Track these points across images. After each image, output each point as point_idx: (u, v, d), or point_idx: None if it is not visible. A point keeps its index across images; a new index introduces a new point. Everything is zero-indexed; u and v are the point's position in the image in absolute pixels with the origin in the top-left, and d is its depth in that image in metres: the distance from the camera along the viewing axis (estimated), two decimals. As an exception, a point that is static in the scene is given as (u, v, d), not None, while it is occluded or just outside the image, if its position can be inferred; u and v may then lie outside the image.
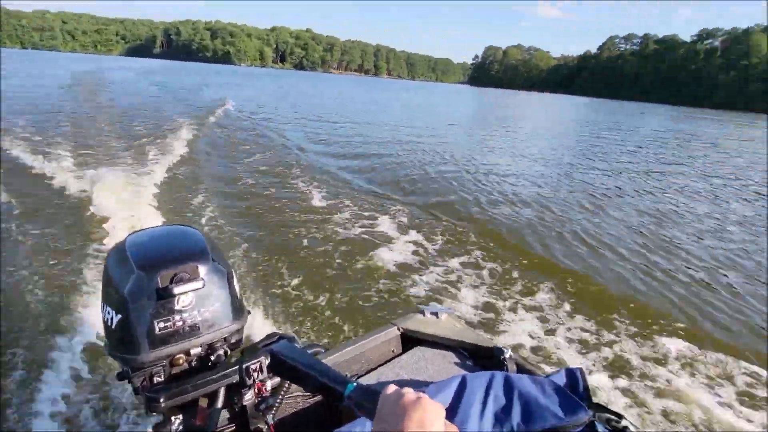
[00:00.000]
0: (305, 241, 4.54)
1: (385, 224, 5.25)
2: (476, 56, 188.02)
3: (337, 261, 4.14)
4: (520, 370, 1.04)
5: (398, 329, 1.23)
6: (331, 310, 3.29)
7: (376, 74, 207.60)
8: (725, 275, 4.62)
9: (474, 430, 0.75)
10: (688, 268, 4.73)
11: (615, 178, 9.40)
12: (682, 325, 3.46)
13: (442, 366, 1.10)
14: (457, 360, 1.13)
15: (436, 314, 1.28)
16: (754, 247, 5.61)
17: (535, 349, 3.03)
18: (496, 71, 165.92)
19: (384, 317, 3.14)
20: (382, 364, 1.13)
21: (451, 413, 0.78)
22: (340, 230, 4.93)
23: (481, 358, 1.12)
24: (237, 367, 0.73)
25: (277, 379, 0.81)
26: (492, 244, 4.87)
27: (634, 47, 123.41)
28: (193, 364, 0.73)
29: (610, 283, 4.16)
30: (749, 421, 2.50)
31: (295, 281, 3.66)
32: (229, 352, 0.76)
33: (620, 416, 0.79)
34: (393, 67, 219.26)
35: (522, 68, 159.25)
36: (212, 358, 0.73)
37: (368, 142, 11.35)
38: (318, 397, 1.04)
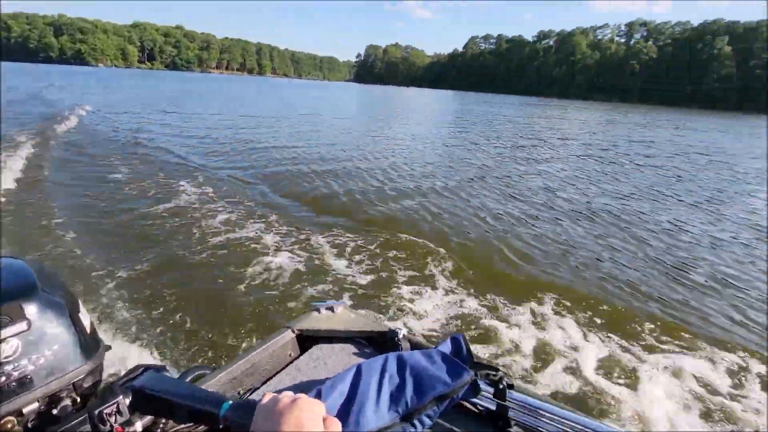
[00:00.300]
0: (174, 252, 4.13)
1: (259, 227, 5.03)
2: (359, 54, 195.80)
3: (215, 269, 3.83)
4: (414, 346, 1.09)
5: (293, 331, 1.20)
6: (217, 324, 3.02)
7: (260, 73, 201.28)
8: (442, 193, 7.91)
9: (371, 415, 0.79)
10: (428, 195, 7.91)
11: (415, 144, 13.00)
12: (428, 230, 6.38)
13: (340, 359, 1.11)
14: (355, 350, 1.15)
15: (331, 309, 1.28)
16: (472, 176, 9.16)
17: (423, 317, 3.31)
18: (378, 69, 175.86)
19: (278, 321, 3.01)
20: (279, 371, 1.09)
21: (349, 403, 0.80)
22: (215, 235, 4.63)
23: (378, 343, 1.15)
24: (86, 415, 0.63)
25: (149, 418, 0.70)
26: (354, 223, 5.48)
27: (491, 46, 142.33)
28: (29, 425, 0.62)
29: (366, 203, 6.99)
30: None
31: (169, 299, 3.29)
32: (78, 400, 0.66)
33: (497, 369, 0.89)
34: (278, 66, 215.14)
35: (402, 66, 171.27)
36: (55, 411, 0.63)
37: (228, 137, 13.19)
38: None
